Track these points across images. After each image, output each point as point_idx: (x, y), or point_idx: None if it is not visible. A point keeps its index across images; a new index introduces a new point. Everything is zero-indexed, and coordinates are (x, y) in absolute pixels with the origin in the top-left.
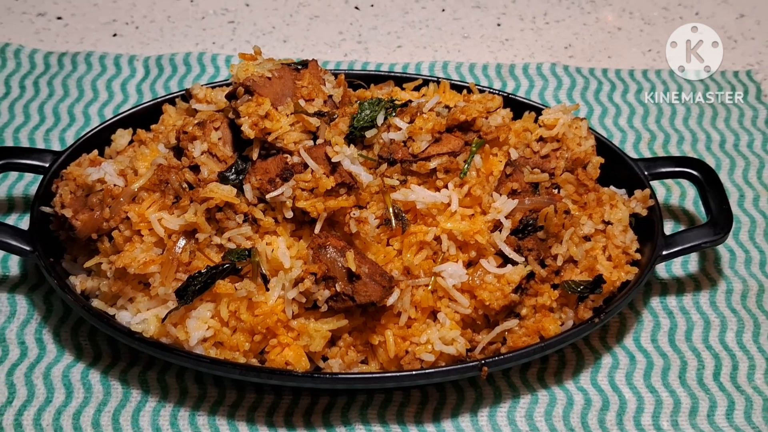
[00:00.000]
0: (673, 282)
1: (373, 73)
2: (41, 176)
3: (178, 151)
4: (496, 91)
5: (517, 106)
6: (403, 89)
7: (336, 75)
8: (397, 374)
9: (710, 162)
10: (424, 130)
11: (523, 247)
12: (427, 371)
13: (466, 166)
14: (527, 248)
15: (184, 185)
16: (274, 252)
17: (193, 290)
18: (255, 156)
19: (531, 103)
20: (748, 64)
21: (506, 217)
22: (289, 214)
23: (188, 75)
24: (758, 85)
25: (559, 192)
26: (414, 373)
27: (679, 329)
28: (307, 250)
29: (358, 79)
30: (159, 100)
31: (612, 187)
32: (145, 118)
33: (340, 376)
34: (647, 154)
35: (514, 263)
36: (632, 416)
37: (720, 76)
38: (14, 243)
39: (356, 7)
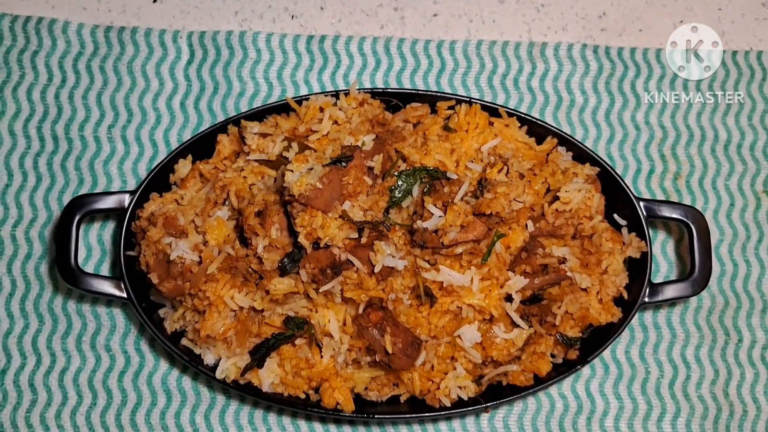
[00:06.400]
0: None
1: (408, 91)
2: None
3: (241, 232)
4: (522, 114)
5: (541, 131)
6: (435, 110)
7: (374, 94)
8: (423, 415)
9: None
10: (454, 226)
11: (528, 312)
12: (445, 413)
13: (488, 254)
14: (532, 314)
15: (251, 270)
16: (326, 327)
17: (263, 353)
18: (309, 250)
19: (554, 129)
20: None
21: (517, 292)
22: (338, 301)
23: (232, 60)
24: None
25: (565, 263)
26: (434, 414)
27: (649, 342)
28: (353, 326)
29: (395, 98)
30: (211, 129)
31: (616, 216)
32: (201, 145)
33: (383, 416)
34: (656, 156)
35: (520, 327)
36: (598, 419)
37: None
38: (112, 292)
39: None
